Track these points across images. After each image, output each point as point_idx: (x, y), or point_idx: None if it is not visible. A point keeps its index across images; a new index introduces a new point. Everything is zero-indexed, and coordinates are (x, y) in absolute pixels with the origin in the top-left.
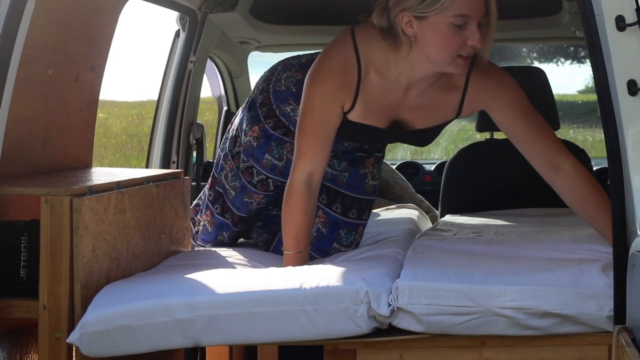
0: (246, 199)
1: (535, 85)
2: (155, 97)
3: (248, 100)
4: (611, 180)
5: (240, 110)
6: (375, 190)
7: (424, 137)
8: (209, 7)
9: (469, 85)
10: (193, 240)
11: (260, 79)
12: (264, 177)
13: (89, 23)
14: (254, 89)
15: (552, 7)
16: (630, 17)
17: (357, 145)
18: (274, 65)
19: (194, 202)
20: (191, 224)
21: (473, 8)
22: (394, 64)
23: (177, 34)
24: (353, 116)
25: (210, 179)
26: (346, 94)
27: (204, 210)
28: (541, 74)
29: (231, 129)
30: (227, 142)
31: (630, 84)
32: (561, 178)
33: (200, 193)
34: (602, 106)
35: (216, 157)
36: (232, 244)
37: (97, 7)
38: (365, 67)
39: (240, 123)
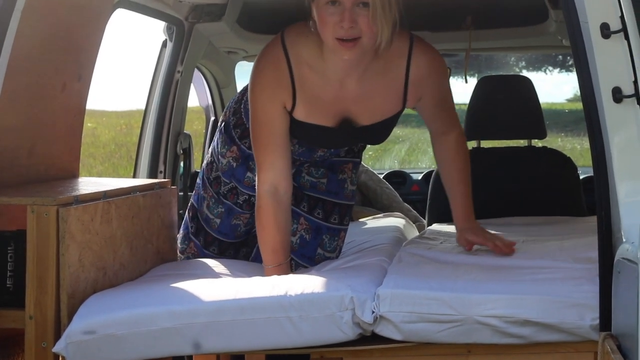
0: (234, 221)
1: (521, 94)
2: (144, 107)
3: (221, 123)
4: (597, 187)
5: (215, 135)
6: (354, 195)
7: (376, 133)
8: (196, 17)
9: (411, 72)
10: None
11: (232, 100)
12: (248, 197)
13: (75, 33)
14: (226, 111)
15: (539, 16)
16: (615, 24)
17: (330, 152)
18: (245, 86)
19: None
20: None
21: None
22: (321, 56)
23: (164, 44)
24: (298, 114)
25: (189, 210)
26: (283, 92)
27: (187, 242)
28: (528, 83)
29: (206, 156)
30: (203, 172)
31: (615, 91)
32: (444, 141)
33: (187, 203)
34: (587, 114)
35: (195, 187)
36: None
37: (84, 17)
38: (295, 63)
39: (215, 147)
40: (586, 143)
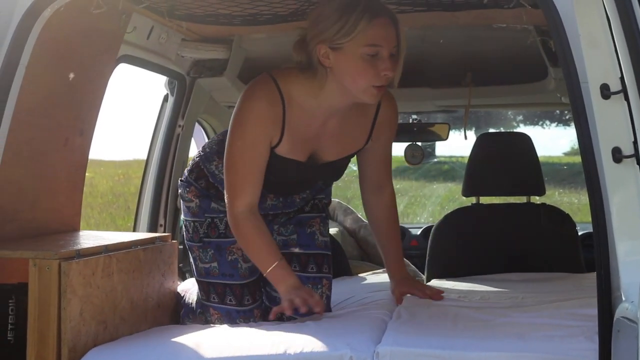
0: (229, 257)
1: (521, 150)
2: (142, 157)
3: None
4: (596, 246)
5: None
6: (327, 245)
7: (334, 169)
8: (197, 72)
9: (379, 113)
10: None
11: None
12: (225, 221)
13: (78, 88)
14: (185, 171)
15: (538, 74)
16: (615, 85)
17: (279, 202)
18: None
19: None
20: (178, 291)
21: (384, 39)
22: (313, 96)
23: (166, 99)
24: (281, 150)
25: (196, 285)
26: (275, 129)
27: (209, 314)
28: (527, 140)
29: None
30: (184, 239)
31: (615, 151)
32: (379, 197)
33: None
34: (587, 173)
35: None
36: None
37: (87, 73)
38: (288, 101)
39: (183, 208)
40: (583, 198)
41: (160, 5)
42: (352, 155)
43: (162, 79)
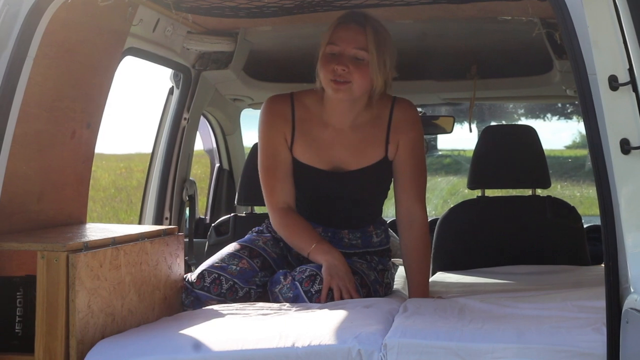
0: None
1: (526, 143)
2: (144, 150)
3: None
4: (604, 238)
5: None
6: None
7: (360, 182)
8: (202, 64)
9: (393, 116)
10: None
11: None
12: (232, 283)
13: (85, 81)
14: None
15: (543, 66)
16: (623, 76)
17: (327, 236)
18: None
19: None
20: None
21: (342, 40)
22: (318, 99)
23: (171, 91)
24: (297, 153)
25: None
26: (285, 124)
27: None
28: (532, 132)
29: None
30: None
31: (623, 142)
32: (409, 232)
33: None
34: (595, 165)
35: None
36: None
37: (94, 65)
38: (297, 104)
39: None
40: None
41: None
42: (377, 167)
43: (163, 72)
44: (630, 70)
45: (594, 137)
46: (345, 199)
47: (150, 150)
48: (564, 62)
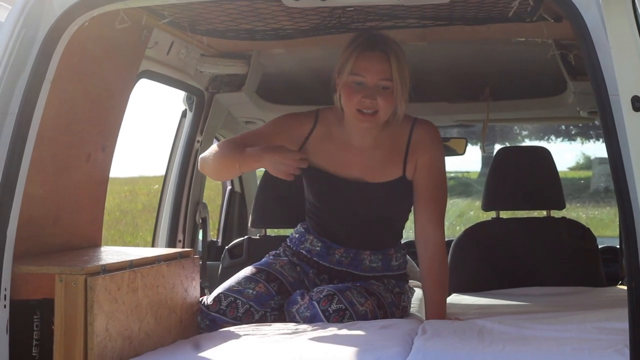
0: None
1: (540, 164)
2: (147, 173)
3: None
4: (627, 258)
5: None
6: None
7: (377, 195)
8: (216, 87)
9: (412, 136)
10: None
11: None
12: (248, 307)
13: (101, 104)
14: None
15: (557, 88)
16: None
17: (347, 257)
18: None
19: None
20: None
21: (366, 70)
22: (339, 120)
23: (184, 114)
24: (319, 163)
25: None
26: (288, 140)
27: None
28: (546, 153)
29: None
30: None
31: None
32: (424, 251)
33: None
34: (617, 186)
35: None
36: None
37: (109, 89)
38: (321, 121)
39: None
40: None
41: (182, 20)
42: (397, 185)
43: (167, 96)
44: None
45: (615, 158)
46: (365, 211)
47: (153, 174)
48: (578, 84)
